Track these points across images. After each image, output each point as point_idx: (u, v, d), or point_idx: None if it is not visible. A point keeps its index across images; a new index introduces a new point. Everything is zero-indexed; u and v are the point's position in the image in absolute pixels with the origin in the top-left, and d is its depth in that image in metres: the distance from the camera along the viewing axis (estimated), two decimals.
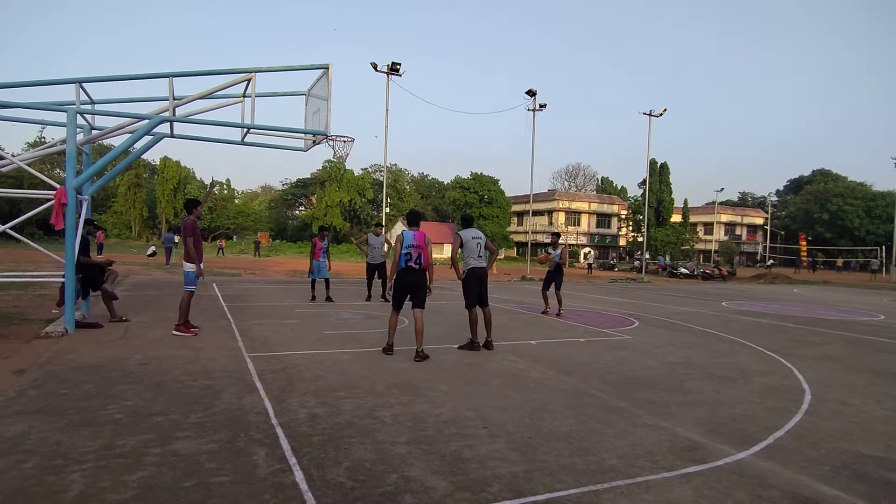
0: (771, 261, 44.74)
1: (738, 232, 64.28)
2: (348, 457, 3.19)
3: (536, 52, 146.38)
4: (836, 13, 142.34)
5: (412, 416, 4.01)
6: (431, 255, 6.32)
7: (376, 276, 11.92)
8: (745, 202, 79.43)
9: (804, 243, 53.15)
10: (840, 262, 43.66)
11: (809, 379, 5.76)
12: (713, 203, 57.78)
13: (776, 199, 72.18)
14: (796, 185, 72.40)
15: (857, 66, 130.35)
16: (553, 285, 10.77)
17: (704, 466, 3.27)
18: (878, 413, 4.61)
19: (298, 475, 2.91)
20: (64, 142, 7.15)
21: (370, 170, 67.08)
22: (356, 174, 62.32)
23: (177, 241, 28.02)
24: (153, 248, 29.21)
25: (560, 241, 11.41)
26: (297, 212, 72.09)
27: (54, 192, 6.81)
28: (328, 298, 11.35)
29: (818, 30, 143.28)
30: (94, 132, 8.26)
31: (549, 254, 10.86)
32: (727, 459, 3.39)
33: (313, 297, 11.43)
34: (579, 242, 53.15)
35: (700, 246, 57.58)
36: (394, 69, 22.22)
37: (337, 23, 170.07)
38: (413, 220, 6.41)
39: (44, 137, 47.83)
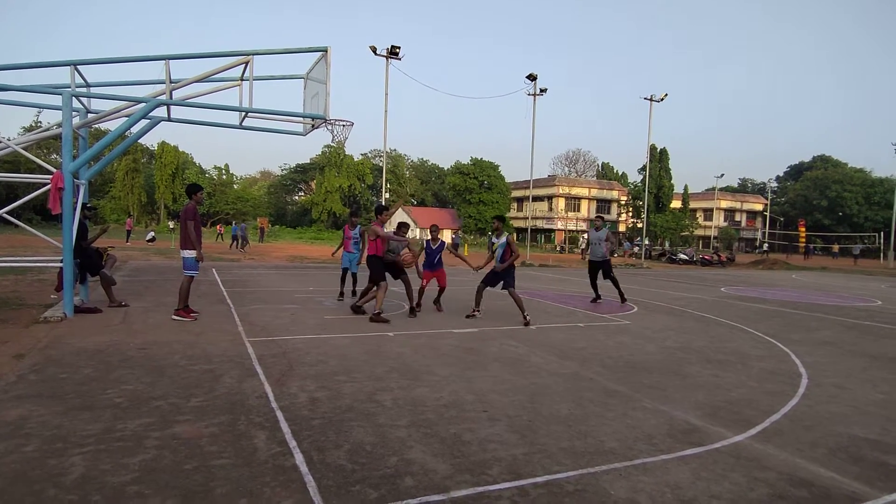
0: (766, 246, 44.63)
1: (737, 218, 64.14)
2: (348, 440, 3.20)
3: (538, 38, 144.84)
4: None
5: (412, 399, 4.03)
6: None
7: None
8: (744, 188, 79.15)
9: (803, 229, 53.13)
10: (836, 248, 43.77)
11: (806, 363, 5.79)
12: (713, 189, 57.58)
13: (776, 185, 71.90)
14: (796, 172, 72.02)
15: (859, 51, 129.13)
16: (500, 283, 7.94)
17: (702, 449, 3.30)
18: (873, 397, 4.64)
19: (299, 458, 2.93)
20: (60, 125, 7.07)
21: (370, 155, 66.75)
22: (356, 159, 61.97)
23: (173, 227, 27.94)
24: (153, 233, 29.22)
25: (504, 229, 8.27)
26: (297, 197, 71.80)
27: (51, 177, 6.75)
28: (354, 294, 9.43)
29: (820, 15, 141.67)
30: (89, 115, 8.17)
31: (492, 244, 8.14)
32: (724, 442, 3.42)
33: (341, 294, 9.55)
34: (579, 228, 53.11)
35: (699, 232, 57.52)
36: (393, 53, 21.95)
37: (335, 8, 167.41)
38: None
39: (40, 122, 47.42)
